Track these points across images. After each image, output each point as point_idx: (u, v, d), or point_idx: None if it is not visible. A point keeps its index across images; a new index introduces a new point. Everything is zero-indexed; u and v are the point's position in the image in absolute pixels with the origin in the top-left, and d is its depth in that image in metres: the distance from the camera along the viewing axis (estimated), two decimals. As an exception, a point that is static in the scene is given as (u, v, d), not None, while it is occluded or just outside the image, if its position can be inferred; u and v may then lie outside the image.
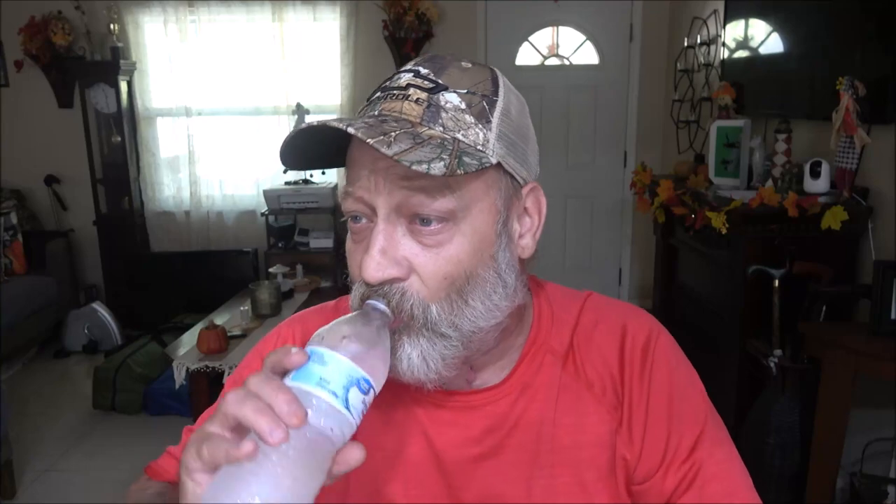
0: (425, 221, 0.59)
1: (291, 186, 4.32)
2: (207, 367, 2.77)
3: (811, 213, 2.26)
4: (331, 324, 0.56)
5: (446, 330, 0.61)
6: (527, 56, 4.53)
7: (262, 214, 4.36)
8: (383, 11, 4.28)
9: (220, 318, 3.29)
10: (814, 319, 2.15)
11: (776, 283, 2.27)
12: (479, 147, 0.60)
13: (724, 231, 2.41)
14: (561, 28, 4.54)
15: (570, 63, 4.56)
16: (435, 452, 0.69)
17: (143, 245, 4.62)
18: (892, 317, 1.89)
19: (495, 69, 0.67)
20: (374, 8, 4.30)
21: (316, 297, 3.80)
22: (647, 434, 0.69)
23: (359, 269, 0.61)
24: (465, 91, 0.62)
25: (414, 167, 0.54)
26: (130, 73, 4.44)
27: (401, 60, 4.37)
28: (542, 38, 4.54)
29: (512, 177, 0.64)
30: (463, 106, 0.61)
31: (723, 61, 3.47)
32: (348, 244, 0.66)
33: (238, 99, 4.53)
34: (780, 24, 2.96)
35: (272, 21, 4.38)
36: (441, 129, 0.59)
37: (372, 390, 0.53)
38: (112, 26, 4.29)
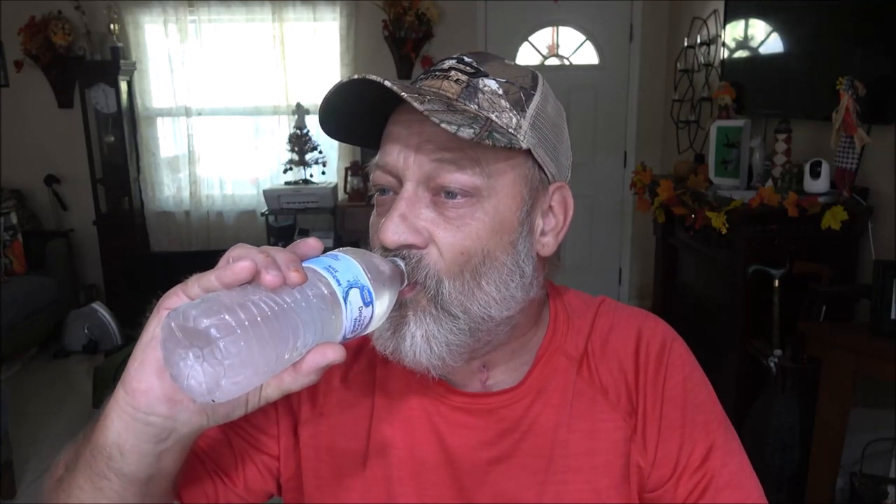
0: (450, 195, 0.60)
1: (291, 186, 4.32)
2: (207, 367, 2.78)
3: (811, 213, 2.26)
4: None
5: (455, 310, 0.61)
6: (527, 56, 4.53)
7: (262, 214, 4.36)
8: (383, 11, 4.28)
9: (220, 318, 3.29)
10: (814, 319, 2.15)
11: (776, 283, 2.27)
12: (511, 130, 0.61)
13: (724, 231, 2.41)
14: (561, 28, 4.54)
15: (570, 63, 4.56)
16: (448, 454, 0.69)
17: (143, 245, 4.62)
18: (892, 317, 1.89)
19: (536, 72, 0.68)
20: (374, 8, 4.30)
21: (316, 297, 3.80)
22: (660, 442, 0.68)
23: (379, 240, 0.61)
24: (505, 80, 0.64)
25: (443, 125, 0.55)
26: (130, 73, 4.44)
27: (401, 60, 4.37)
28: (542, 38, 4.54)
29: (541, 169, 0.64)
30: (500, 91, 0.62)
31: (723, 61, 3.47)
32: (373, 218, 0.66)
33: (238, 99, 4.53)
34: (780, 24, 2.96)
35: (272, 21, 4.38)
36: (476, 107, 0.61)
37: (372, 306, 0.53)
38: (112, 26, 4.29)
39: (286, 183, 4.38)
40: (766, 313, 2.31)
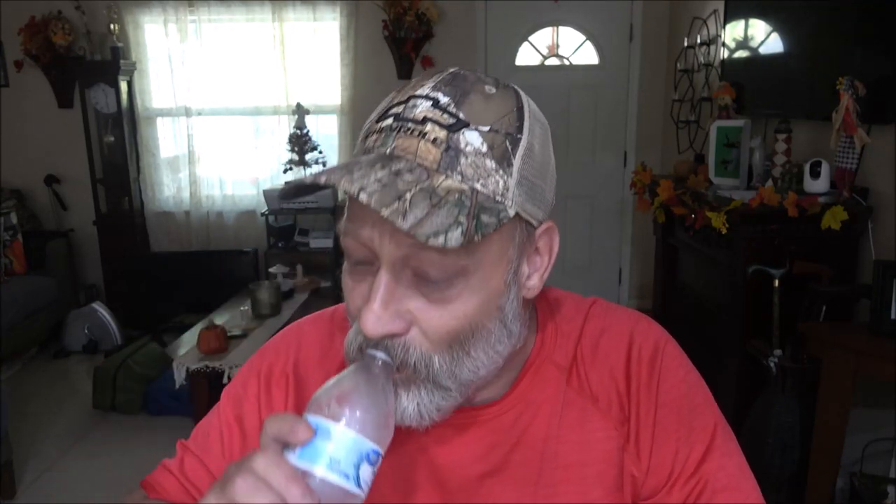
0: (434, 279, 0.56)
1: (291, 186, 4.32)
2: (207, 367, 2.78)
3: (811, 213, 2.26)
4: (331, 382, 0.54)
5: (446, 382, 0.59)
6: (527, 56, 4.53)
7: (262, 214, 4.36)
8: (383, 11, 4.28)
9: (220, 318, 3.29)
10: (814, 319, 2.15)
11: (776, 283, 2.27)
12: (497, 198, 0.56)
13: (724, 231, 2.41)
14: (561, 28, 4.54)
15: (570, 63, 4.56)
16: (437, 472, 0.68)
17: (143, 245, 4.62)
18: (892, 317, 1.89)
19: (520, 93, 0.62)
20: (374, 8, 4.30)
21: (316, 297, 3.80)
22: (654, 449, 0.67)
23: (356, 310, 0.59)
24: (488, 129, 0.57)
25: (430, 241, 0.51)
26: (130, 73, 4.44)
27: (401, 60, 4.37)
28: (542, 38, 4.54)
29: (528, 222, 0.61)
30: (484, 149, 0.56)
31: (723, 61, 3.47)
32: (346, 279, 0.61)
33: (238, 99, 4.53)
34: (780, 24, 2.96)
35: (272, 21, 4.38)
36: (459, 177, 0.55)
37: (380, 457, 0.52)
38: (112, 26, 4.29)
39: (286, 183, 4.36)
40: (766, 313, 2.31)
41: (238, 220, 4.64)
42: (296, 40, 4.44)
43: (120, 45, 4.31)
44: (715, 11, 3.61)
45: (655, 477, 0.67)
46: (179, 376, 2.80)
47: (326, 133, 4.50)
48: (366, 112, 0.74)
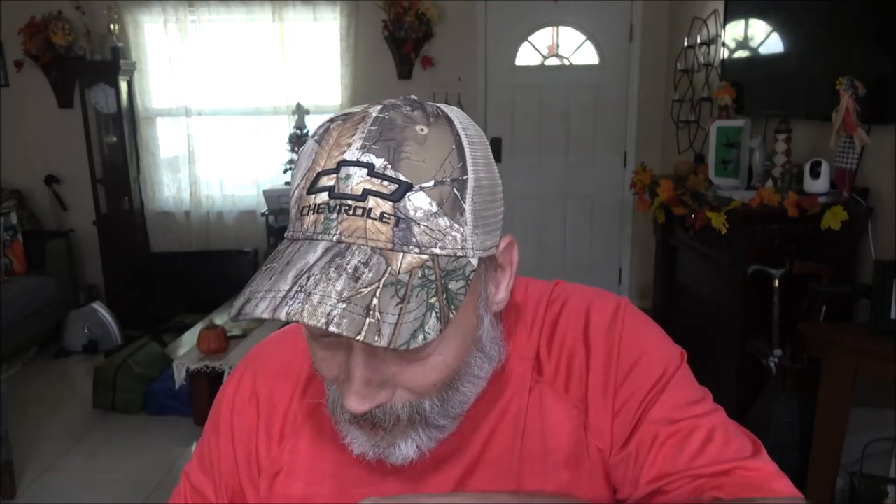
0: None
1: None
2: (207, 367, 2.78)
3: (811, 213, 2.26)
4: None
5: (440, 421, 0.60)
6: (527, 56, 4.53)
7: (262, 214, 4.36)
8: (383, 11, 4.28)
9: (220, 318, 3.29)
10: (814, 319, 2.15)
11: (776, 283, 2.27)
12: (458, 254, 0.54)
13: (724, 231, 2.41)
14: (561, 28, 4.54)
15: (570, 63, 4.56)
16: (411, 484, 0.67)
17: (143, 245, 4.62)
18: (892, 317, 1.89)
19: (451, 117, 0.57)
20: (374, 8, 4.30)
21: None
22: (617, 417, 0.65)
23: (332, 378, 0.59)
24: (433, 184, 0.52)
25: (412, 347, 0.49)
26: (130, 73, 4.44)
27: (401, 60, 4.37)
28: (542, 38, 4.54)
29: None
30: (434, 208, 0.52)
31: (723, 61, 3.47)
32: (312, 345, 0.59)
33: (238, 99, 4.53)
34: (780, 24, 2.96)
35: (272, 21, 4.38)
36: (417, 250, 0.52)
37: None
38: (112, 26, 4.29)
39: (286, 183, 4.38)
40: (766, 313, 2.31)
41: (238, 220, 4.64)
42: (296, 40, 4.44)
43: (120, 45, 4.31)
44: (715, 11, 3.61)
45: (618, 440, 0.65)
46: (179, 376, 2.81)
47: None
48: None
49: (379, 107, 0.56)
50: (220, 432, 0.74)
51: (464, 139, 0.56)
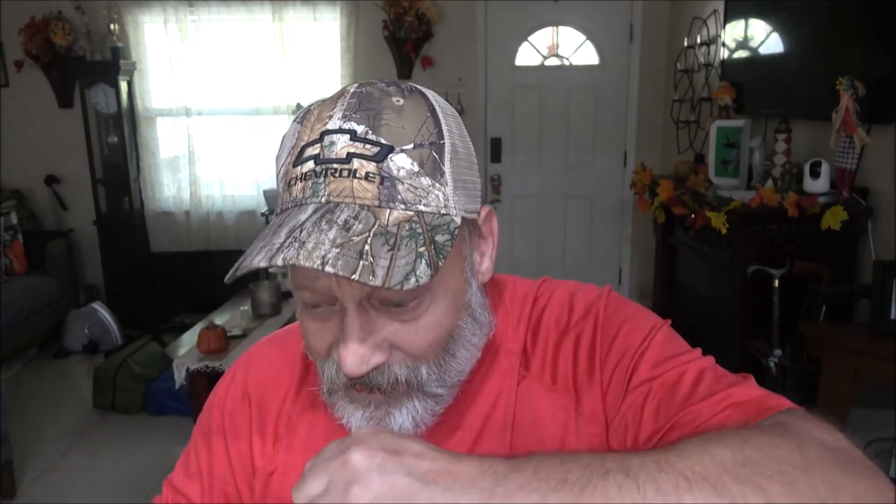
0: (400, 303, 0.56)
1: (291, 186, 4.32)
2: (207, 366, 2.78)
3: (811, 213, 2.26)
4: None
5: (436, 389, 0.60)
6: (527, 56, 4.53)
7: (263, 214, 4.36)
8: (383, 11, 4.28)
9: (220, 318, 3.29)
10: (814, 319, 2.15)
11: (776, 282, 2.28)
12: (442, 212, 0.56)
13: (724, 231, 2.41)
14: (561, 28, 4.54)
15: (570, 63, 4.56)
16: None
17: (143, 245, 4.62)
18: (892, 317, 1.89)
19: (425, 92, 0.60)
20: (374, 8, 4.30)
21: (316, 297, 3.80)
22: (607, 399, 0.64)
23: (326, 349, 0.59)
24: (412, 146, 0.55)
25: (405, 287, 0.51)
26: (130, 73, 4.44)
27: (401, 60, 4.37)
28: (542, 38, 4.54)
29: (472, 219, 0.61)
30: (416, 168, 0.55)
31: (723, 61, 3.47)
32: (305, 320, 0.60)
33: (238, 99, 4.53)
34: (780, 24, 2.96)
35: (272, 21, 4.38)
36: (402, 206, 0.54)
37: None
38: (112, 26, 4.29)
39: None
40: (766, 313, 2.31)
41: (238, 221, 4.64)
42: (296, 40, 4.44)
43: (120, 45, 4.31)
44: (715, 11, 3.61)
45: (611, 415, 0.64)
46: (179, 376, 2.80)
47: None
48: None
49: (356, 84, 0.59)
50: (213, 435, 0.74)
51: (438, 110, 0.59)
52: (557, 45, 4.59)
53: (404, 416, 0.59)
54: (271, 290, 3.32)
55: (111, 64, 4.27)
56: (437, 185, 0.56)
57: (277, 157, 0.60)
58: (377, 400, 0.59)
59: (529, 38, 4.50)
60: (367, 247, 0.51)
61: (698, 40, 3.80)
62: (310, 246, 0.51)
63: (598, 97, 4.50)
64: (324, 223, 0.52)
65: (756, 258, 2.35)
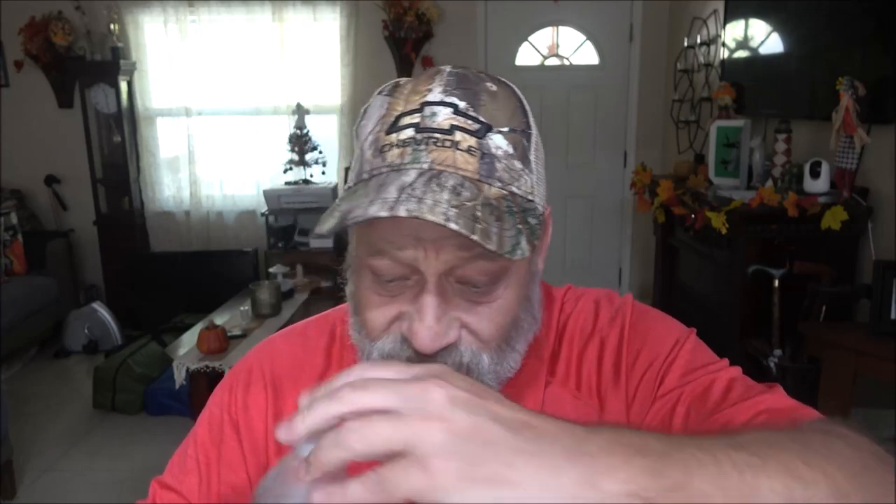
0: (478, 283, 0.56)
1: (291, 186, 4.32)
2: (207, 367, 2.77)
3: (811, 213, 2.26)
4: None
5: (489, 381, 0.60)
6: (527, 56, 4.53)
7: (262, 214, 4.36)
8: (383, 11, 4.28)
9: (220, 318, 3.29)
10: (814, 319, 2.15)
11: (776, 283, 2.27)
12: (529, 197, 0.58)
13: (724, 231, 2.41)
14: (561, 28, 4.54)
15: (570, 63, 4.56)
16: None
17: (143, 245, 4.62)
18: (892, 317, 1.89)
19: (511, 84, 0.62)
20: (374, 8, 4.30)
21: (316, 297, 3.80)
22: (634, 401, 0.65)
23: (387, 324, 0.58)
24: (508, 129, 0.57)
25: (516, 256, 0.52)
26: (130, 73, 4.44)
27: (401, 60, 4.37)
28: (542, 38, 4.54)
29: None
30: (511, 151, 0.57)
31: (723, 61, 3.47)
32: (368, 294, 0.59)
33: (238, 99, 4.53)
34: (780, 24, 2.96)
35: (272, 21, 4.38)
36: (500, 184, 0.56)
37: None
38: (112, 26, 4.29)
39: (286, 183, 4.38)
40: (766, 313, 2.31)
41: (238, 220, 4.64)
42: (296, 40, 4.44)
43: (120, 45, 4.31)
44: (715, 11, 3.61)
45: (636, 421, 0.64)
46: (179, 376, 2.80)
47: (326, 133, 4.50)
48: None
49: (449, 66, 0.61)
50: (224, 425, 0.73)
51: (524, 103, 0.61)
52: (557, 45, 4.59)
53: None
54: (271, 290, 3.32)
55: (111, 64, 4.27)
56: (527, 171, 0.58)
57: (361, 127, 0.60)
58: None
59: (529, 38, 4.50)
60: (478, 213, 0.52)
61: (698, 40, 3.80)
62: (429, 202, 0.51)
63: (598, 97, 4.50)
64: (434, 185, 0.52)
65: (756, 258, 2.35)
